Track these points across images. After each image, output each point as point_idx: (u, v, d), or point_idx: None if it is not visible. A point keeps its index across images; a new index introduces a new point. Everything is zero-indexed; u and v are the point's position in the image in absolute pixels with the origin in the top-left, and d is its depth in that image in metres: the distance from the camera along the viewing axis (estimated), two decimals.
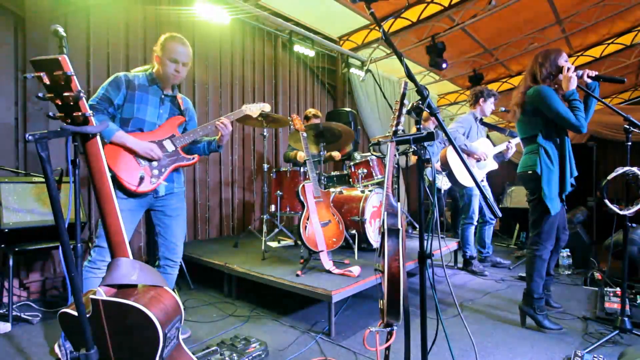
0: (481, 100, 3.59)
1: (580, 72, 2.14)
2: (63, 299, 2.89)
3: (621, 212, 2.05)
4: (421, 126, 1.52)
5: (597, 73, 2.14)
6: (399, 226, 1.39)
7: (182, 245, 2.13)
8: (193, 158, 2.05)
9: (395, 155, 1.59)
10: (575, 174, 2.25)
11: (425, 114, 1.41)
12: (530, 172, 2.25)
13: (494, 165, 3.65)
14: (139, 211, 1.94)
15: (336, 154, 4.11)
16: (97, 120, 1.70)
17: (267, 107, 2.33)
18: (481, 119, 3.72)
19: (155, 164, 1.90)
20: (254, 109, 2.28)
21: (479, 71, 6.27)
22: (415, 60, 6.18)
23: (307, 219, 2.57)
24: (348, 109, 5.02)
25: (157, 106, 1.98)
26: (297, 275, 2.47)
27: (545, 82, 2.22)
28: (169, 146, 1.96)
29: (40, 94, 0.97)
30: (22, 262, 2.86)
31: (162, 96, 2.01)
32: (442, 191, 4.18)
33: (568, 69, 2.13)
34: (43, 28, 2.87)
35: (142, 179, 1.82)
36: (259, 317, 2.52)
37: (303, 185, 2.63)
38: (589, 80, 2.17)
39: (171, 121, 2.02)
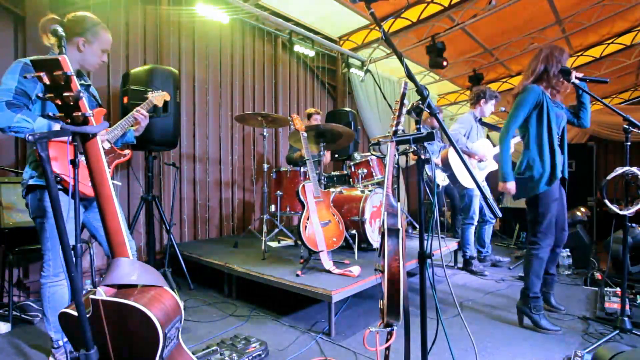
0: (482, 101, 3.59)
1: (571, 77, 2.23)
2: None
3: (621, 212, 2.05)
4: (424, 125, 1.52)
5: (582, 75, 2.23)
6: (399, 226, 1.39)
7: (132, 238, 2.05)
8: (127, 153, 1.95)
9: (395, 155, 1.59)
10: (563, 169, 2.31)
11: (427, 113, 1.41)
12: (517, 175, 2.33)
13: (494, 166, 3.65)
14: (83, 214, 1.86)
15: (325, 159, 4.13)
16: (26, 117, 1.54)
17: (167, 97, 2.20)
18: (480, 119, 3.72)
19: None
20: (158, 97, 2.14)
21: (478, 71, 6.27)
22: (415, 60, 6.18)
23: (307, 219, 2.57)
24: (348, 109, 5.02)
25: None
26: (297, 275, 2.47)
27: (542, 80, 2.28)
28: (105, 143, 1.83)
29: (40, 94, 0.97)
30: (23, 262, 2.86)
31: (79, 85, 1.87)
32: (440, 187, 4.18)
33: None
34: None
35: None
36: (259, 317, 2.52)
37: (303, 185, 2.63)
38: (577, 82, 2.24)
39: (96, 114, 1.92)
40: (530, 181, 2.26)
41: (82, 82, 1.85)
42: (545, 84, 2.28)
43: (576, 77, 2.21)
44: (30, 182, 1.68)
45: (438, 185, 3.92)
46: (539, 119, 2.26)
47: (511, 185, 2.29)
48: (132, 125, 2.00)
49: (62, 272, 1.74)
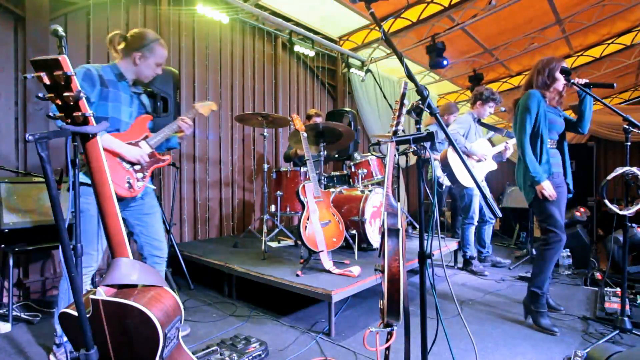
0: (479, 102, 3.59)
1: (568, 84, 2.26)
2: None
3: (621, 212, 2.05)
4: (421, 125, 1.52)
5: (586, 80, 2.22)
6: (399, 226, 1.39)
7: (165, 241, 2.10)
8: (167, 158, 2.02)
9: (395, 155, 1.59)
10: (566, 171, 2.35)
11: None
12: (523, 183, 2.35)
13: (493, 166, 3.65)
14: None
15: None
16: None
17: (214, 107, 2.26)
18: (479, 120, 3.72)
19: (138, 167, 1.86)
20: (205, 107, 2.21)
21: (479, 71, 6.27)
22: (415, 60, 6.18)
23: (307, 219, 2.57)
24: (348, 109, 5.02)
25: (129, 104, 1.91)
26: (297, 275, 2.47)
27: (540, 90, 2.32)
28: (146, 148, 1.91)
29: (40, 94, 0.97)
30: (22, 262, 2.86)
31: (132, 93, 1.93)
32: (444, 187, 4.17)
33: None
34: (43, 28, 2.87)
35: (129, 183, 1.80)
36: (259, 317, 2.52)
37: (303, 185, 2.63)
38: (576, 86, 2.26)
39: (140, 120, 1.95)
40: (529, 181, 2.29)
41: (135, 90, 1.96)
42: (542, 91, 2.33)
43: (580, 83, 2.22)
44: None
45: (442, 185, 3.91)
46: (536, 125, 2.30)
47: (547, 185, 2.22)
48: (176, 132, 2.08)
49: (88, 267, 1.78)
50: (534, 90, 2.30)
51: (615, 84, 2.21)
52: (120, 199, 1.81)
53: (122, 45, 1.86)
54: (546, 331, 2.22)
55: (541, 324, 2.25)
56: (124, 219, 1.97)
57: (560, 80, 2.28)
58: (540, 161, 2.27)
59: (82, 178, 1.73)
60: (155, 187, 2.14)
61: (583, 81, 2.22)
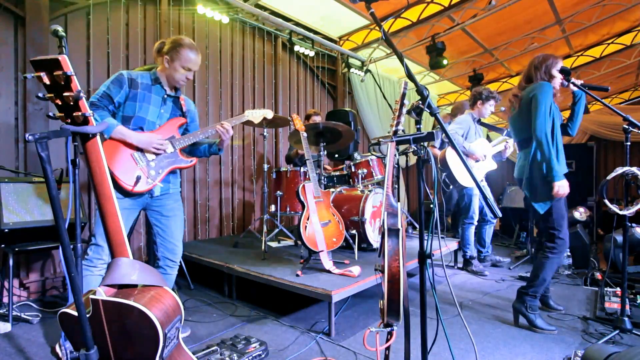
0: (479, 102, 3.59)
1: (566, 83, 2.24)
2: (63, 299, 2.89)
3: (621, 212, 2.05)
4: (421, 125, 1.52)
5: (582, 82, 2.22)
6: (399, 226, 1.39)
7: (182, 245, 2.12)
8: (191, 160, 2.04)
9: (395, 155, 1.59)
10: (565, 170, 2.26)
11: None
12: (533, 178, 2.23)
13: (493, 165, 3.65)
14: (134, 210, 1.94)
15: (328, 168, 4.15)
16: (98, 116, 1.71)
17: (269, 114, 2.30)
18: (479, 120, 3.72)
19: (153, 164, 1.88)
20: (256, 115, 2.26)
21: (479, 71, 6.27)
22: (416, 60, 6.18)
23: (307, 219, 2.57)
24: (348, 109, 5.02)
25: (159, 106, 1.97)
26: (297, 275, 2.47)
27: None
28: (169, 147, 1.95)
29: (40, 94, 0.97)
30: (22, 262, 2.86)
31: (165, 96, 2.00)
32: (450, 187, 4.15)
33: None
34: (43, 28, 2.87)
35: (138, 178, 1.81)
36: (259, 317, 2.52)
37: (303, 185, 2.63)
38: (574, 89, 2.25)
39: (172, 122, 2.01)
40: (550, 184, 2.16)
41: (169, 93, 2.02)
42: None
43: (574, 84, 2.22)
44: None
45: (450, 186, 3.89)
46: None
47: (564, 184, 2.11)
48: (214, 140, 2.15)
49: (100, 260, 1.81)
50: (547, 82, 2.19)
51: (609, 87, 2.21)
52: (133, 195, 1.84)
53: (160, 52, 1.98)
54: (545, 331, 2.22)
55: (538, 326, 2.24)
56: (146, 217, 2.03)
57: (557, 78, 2.23)
58: (557, 158, 2.14)
59: None
60: (180, 190, 2.15)
61: (579, 82, 2.22)
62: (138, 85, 1.90)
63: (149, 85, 1.95)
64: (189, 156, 2.06)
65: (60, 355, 1.85)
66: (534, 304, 2.27)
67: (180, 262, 3.08)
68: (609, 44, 6.01)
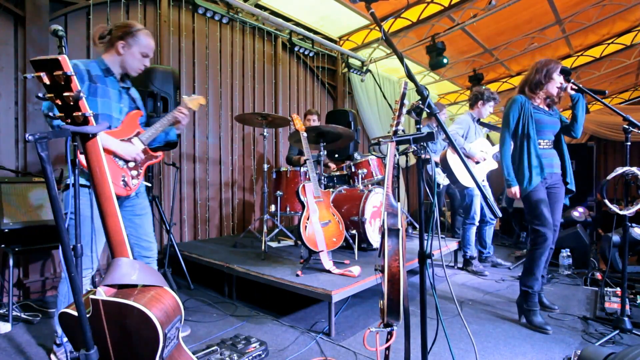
0: (479, 102, 3.59)
1: (564, 85, 2.29)
2: None
3: (621, 212, 2.05)
4: (421, 125, 1.52)
5: (580, 85, 2.27)
6: (399, 226, 1.39)
7: (155, 241, 2.08)
8: (159, 155, 1.98)
9: (395, 155, 1.59)
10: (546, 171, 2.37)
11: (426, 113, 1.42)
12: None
13: (493, 165, 3.65)
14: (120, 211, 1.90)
15: (332, 165, 4.15)
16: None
17: (202, 100, 2.17)
18: (479, 120, 3.72)
19: (132, 164, 1.84)
20: (193, 100, 2.12)
21: (479, 71, 6.27)
22: (416, 60, 6.18)
23: (307, 219, 2.57)
24: (348, 109, 5.02)
25: (118, 100, 1.85)
26: (297, 275, 2.47)
27: (534, 91, 2.37)
28: (139, 144, 1.87)
29: (40, 94, 0.97)
30: (22, 262, 2.86)
31: (120, 89, 1.87)
32: (441, 186, 4.17)
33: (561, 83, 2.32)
34: (43, 28, 2.87)
35: (125, 182, 1.79)
36: (259, 317, 2.52)
37: (303, 185, 2.63)
38: (572, 92, 2.30)
39: (131, 116, 1.90)
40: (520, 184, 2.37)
41: (123, 85, 1.90)
42: (529, 93, 2.39)
43: (572, 89, 2.27)
44: (68, 181, 1.74)
45: (439, 185, 3.91)
46: (522, 128, 2.34)
47: (516, 189, 2.37)
48: (172, 124, 2.03)
49: (87, 269, 1.77)
50: (516, 96, 2.39)
51: (607, 91, 2.23)
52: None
53: (106, 38, 1.80)
54: (539, 329, 2.24)
55: (534, 322, 2.27)
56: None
57: (555, 82, 2.31)
58: (529, 164, 2.31)
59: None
60: (150, 185, 2.12)
61: (576, 86, 2.26)
62: (93, 77, 1.73)
63: (102, 77, 1.78)
64: (155, 151, 1.99)
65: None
66: (532, 301, 2.32)
67: (180, 262, 3.11)
68: (609, 44, 6.01)
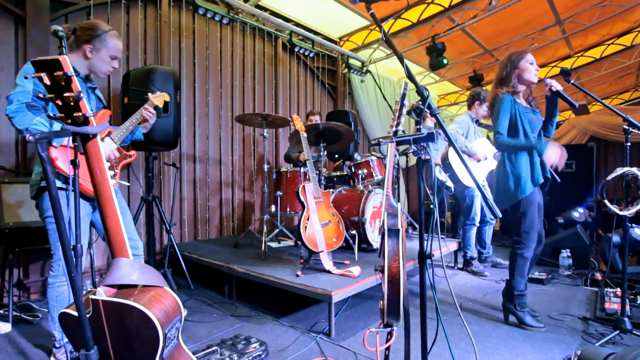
0: (477, 103, 3.61)
1: (548, 81, 2.23)
2: None
3: (621, 213, 2.05)
4: (421, 125, 1.52)
5: (559, 89, 2.20)
6: (399, 226, 1.39)
7: (139, 238, 2.06)
8: (133, 154, 1.97)
9: (395, 155, 1.59)
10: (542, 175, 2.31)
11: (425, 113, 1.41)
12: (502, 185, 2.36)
13: (494, 164, 3.65)
14: (92, 214, 1.87)
15: (325, 169, 4.14)
16: (44, 120, 1.56)
17: (167, 97, 2.16)
18: (477, 120, 3.73)
19: (108, 164, 1.85)
20: (157, 97, 2.11)
21: (479, 72, 6.27)
22: (416, 61, 6.19)
23: (307, 220, 2.57)
24: (348, 110, 5.02)
25: (87, 100, 1.88)
26: (297, 275, 2.47)
27: (505, 84, 2.32)
28: (111, 144, 1.85)
29: (40, 94, 0.97)
30: (22, 262, 2.86)
31: (87, 88, 1.85)
32: (452, 188, 4.15)
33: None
34: (43, 28, 2.87)
35: None
36: (259, 317, 2.52)
37: (303, 186, 2.63)
38: (548, 93, 2.26)
39: (101, 116, 1.88)
40: (512, 188, 2.29)
41: (90, 85, 1.88)
42: (509, 89, 2.31)
43: (550, 90, 2.22)
44: (42, 183, 1.71)
45: (449, 188, 3.89)
46: (514, 128, 2.30)
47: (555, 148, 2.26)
48: (140, 123, 2.02)
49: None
50: (503, 95, 2.30)
51: (577, 104, 2.20)
52: (91, 198, 1.76)
53: (70, 39, 1.73)
54: (533, 329, 2.24)
55: (526, 322, 2.27)
56: (92, 224, 1.92)
57: (526, 70, 2.26)
58: (532, 163, 2.26)
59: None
60: (128, 184, 2.10)
61: (555, 89, 2.20)
62: None
63: None
64: (127, 150, 1.99)
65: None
66: (522, 302, 2.31)
67: (181, 262, 3.11)
68: (609, 44, 6.01)
